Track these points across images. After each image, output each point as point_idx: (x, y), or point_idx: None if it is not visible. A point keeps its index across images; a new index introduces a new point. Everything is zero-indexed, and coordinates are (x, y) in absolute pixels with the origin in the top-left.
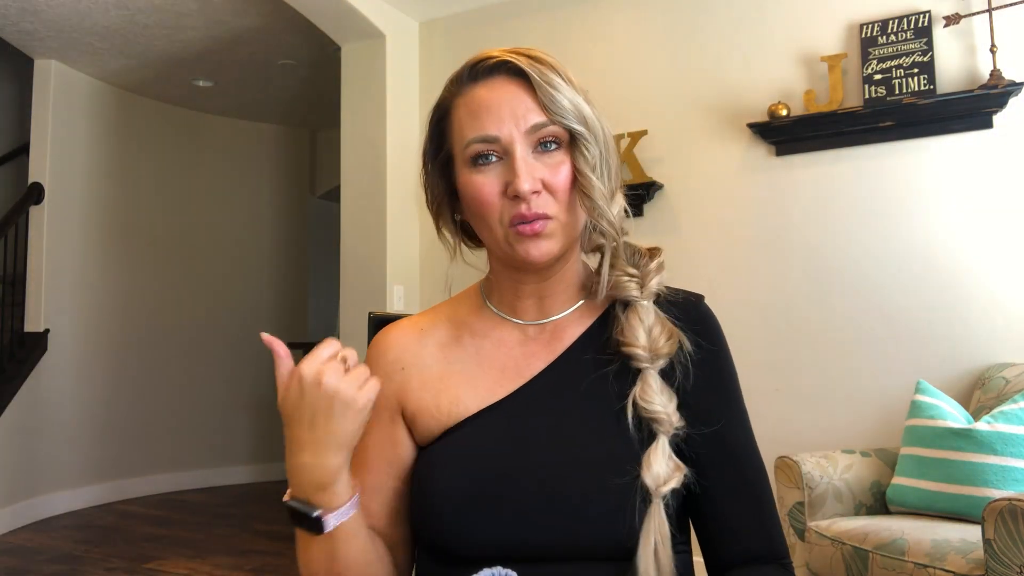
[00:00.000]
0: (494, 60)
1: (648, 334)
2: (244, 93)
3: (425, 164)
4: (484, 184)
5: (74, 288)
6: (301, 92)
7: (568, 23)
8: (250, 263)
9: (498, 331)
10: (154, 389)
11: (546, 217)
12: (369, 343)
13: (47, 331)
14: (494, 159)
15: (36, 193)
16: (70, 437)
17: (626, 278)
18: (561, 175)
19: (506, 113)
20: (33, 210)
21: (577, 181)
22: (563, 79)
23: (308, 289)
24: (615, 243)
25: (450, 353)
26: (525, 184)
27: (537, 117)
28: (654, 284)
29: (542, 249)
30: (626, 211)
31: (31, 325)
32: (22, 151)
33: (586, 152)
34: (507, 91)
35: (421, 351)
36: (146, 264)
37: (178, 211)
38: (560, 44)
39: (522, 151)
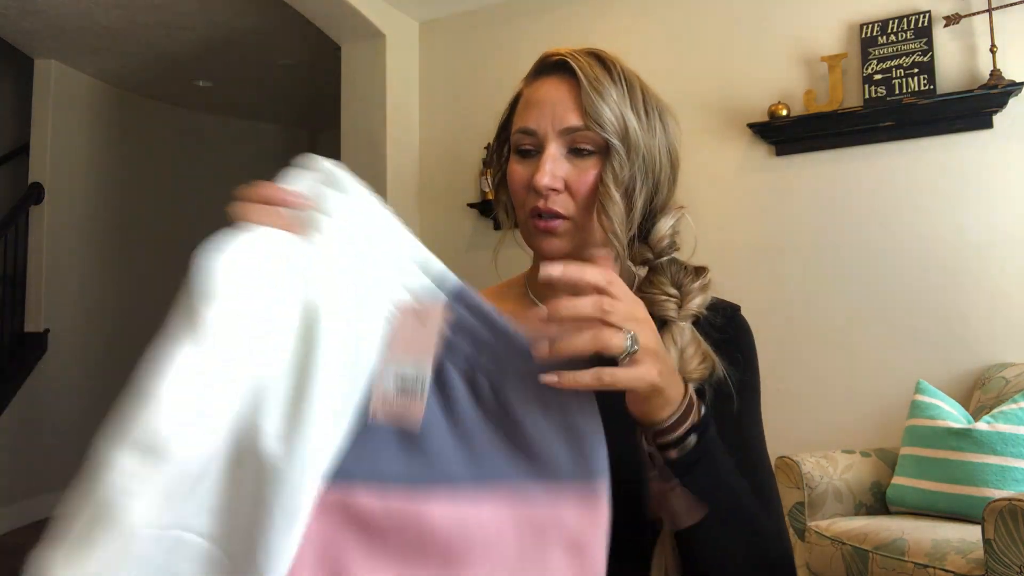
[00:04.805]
0: (557, 58)
1: (680, 356)
2: (244, 93)
3: (499, 133)
4: (516, 172)
5: (74, 288)
6: (301, 92)
7: (568, 23)
8: None
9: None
10: None
11: (560, 216)
12: None
13: (47, 331)
14: (532, 151)
15: (36, 193)
16: (70, 437)
17: (664, 297)
18: (585, 179)
19: (547, 111)
20: (33, 210)
21: (599, 191)
22: (621, 88)
23: None
24: (616, 264)
25: None
26: (544, 179)
27: (575, 120)
28: (694, 306)
29: (553, 245)
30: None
31: (31, 325)
32: (22, 151)
33: (615, 166)
34: (557, 91)
35: None
36: (146, 264)
37: (178, 211)
38: (559, 44)
39: (554, 149)
